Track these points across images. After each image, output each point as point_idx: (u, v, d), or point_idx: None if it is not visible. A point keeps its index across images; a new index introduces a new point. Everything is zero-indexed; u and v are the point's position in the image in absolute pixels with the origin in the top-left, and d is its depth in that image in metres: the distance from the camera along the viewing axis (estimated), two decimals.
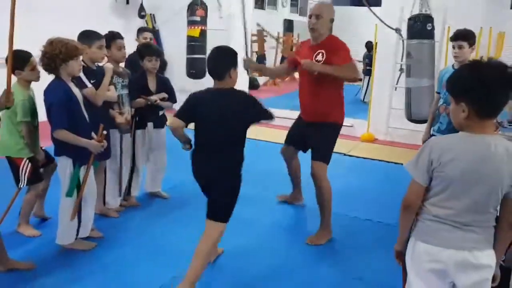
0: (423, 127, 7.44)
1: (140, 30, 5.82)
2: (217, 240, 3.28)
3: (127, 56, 4.55)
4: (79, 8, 8.12)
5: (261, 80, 14.24)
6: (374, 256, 3.90)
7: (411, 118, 6.57)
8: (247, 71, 4.26)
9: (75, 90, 3.52)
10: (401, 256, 2.34)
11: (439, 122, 4.21)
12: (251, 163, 6.11)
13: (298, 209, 4.83)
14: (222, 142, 3.14)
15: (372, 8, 7.04)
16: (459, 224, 2.07)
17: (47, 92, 3.40)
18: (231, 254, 3.76)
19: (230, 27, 9.02)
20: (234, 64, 3.17)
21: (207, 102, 3.17)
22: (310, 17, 4.02)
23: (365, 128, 8.05)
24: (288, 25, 17.14)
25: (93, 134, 3.61)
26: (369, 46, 11.24)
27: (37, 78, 3.69)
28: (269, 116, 3.21)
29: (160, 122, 4.70)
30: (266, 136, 7.43)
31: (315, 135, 4.12)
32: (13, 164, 3.75)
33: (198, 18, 8.15)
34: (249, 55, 7.25)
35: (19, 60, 3.53)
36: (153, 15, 9.96)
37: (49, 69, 3.39)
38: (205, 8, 8.20)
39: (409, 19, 6.26)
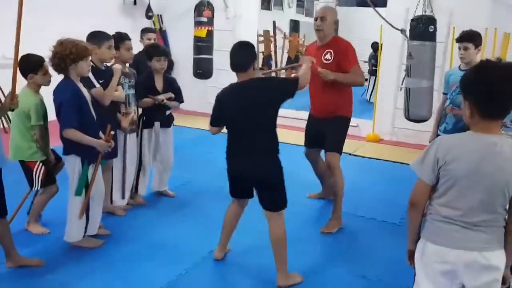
0: (428, 127, 7.49)
1: (144, 31, 5.85)
2: (284, 226, 3.40)
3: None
4: (87, 9, 8.18)
5: None
6: (378, 254, 3.94)
7: (409, 117, 6.62)
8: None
9: (84, 90, 3.57)
10: (413, 256, 2.32)
11: (445, 123, 4.23)
12: None
13: (302, 208, 4.86)
14: (255, 132, 3.23)
15: (377, 9, 7.06)
16: (468, 224, 2.07)
17: (57, 92, 3.46)
18: (237, 253, 3.80)
19: (236, 28, 9.06)
20: (256, 56, 3.33)
21: (231, 98, 3.31)
22: (316, 19, 4.30)
23: (371, 128, 8.06)
24: (294, 26, 17.14)
25: (100, 133, 3.67)
26: (375, 46, 11.24)
27: (48, 83, 3.74)
28: (296, 85, 3.33)
29: (167, 122, 4.75)
30: None
31: (327, 128, 4.35)
32: (27, 167, 3.80)
33: (205, 19, 8.18)
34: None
35: (32, 64, 3.58)
36: (160, 15, 10.01)
37: (58, 69, 3.44)
38: (212, 9, 8.24)
39: (412, 20, 6.27)
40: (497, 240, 2.09)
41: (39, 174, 3.78)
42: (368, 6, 6.95)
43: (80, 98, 3.47)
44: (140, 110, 4.62)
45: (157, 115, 4.63)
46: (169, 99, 4.59)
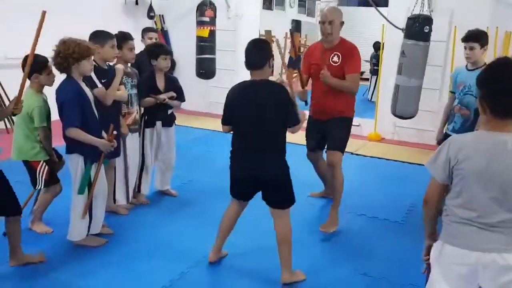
0: (429, 126, 7.52)
1: (145, 31, 5.85)
2: (290, 224, 3.43)
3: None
4: (89, 9, 8.20)
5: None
6: (380, 252, 3.95)
7: (395, 113, 6.66)
8: (305, 102, 4.42)
9: (86, 90, 3.59)
10: (429, 252, 2.32)
11: (453, 122, 4.26)
12: None
13: (301, 207, 4.87)
14: (265, 132, 3.22)
15: (379, 8, 7.07)
16: (486, 225, 2.04)
17: (59, 91, 3.48)
18: (235, 254, 3.81)
19: (238, 28, 9.08)
20: (272, 54, 3.29)
21: (242, 97, 3.29)
22: (323, 23, 4.24)
23: (372, 127, 8.07)
24: (296, 26, 17.14)
25: (103, 133, 3.69)
26: (377, 46, 11.26)
27: (52, 83, 3.75)
28: (297, 121, 3.28)
29: (169, 121, 4.77)
30: None
31: (330, 128, 4.35)
32: (30, 167, 3.82)
33: (207, 19, 8.20)
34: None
35: (37, 64, 3.59)
36: (162, 15, 10.03)
37: (61, 68, 3.46)
38: (214, 8, 8.26)
39: (409, 18, 6.29)
40: None
41: (43, 173, 3.80)
42: (370, 5, 6.96)
43: (82, 98, 3.49)
44: (142, 110, 4.64)
45: (159, 114, 4.65)
46: (171, 98, 4.61)
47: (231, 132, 3.40)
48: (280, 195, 3.36)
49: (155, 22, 9.85)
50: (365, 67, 13.14)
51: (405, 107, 6.49)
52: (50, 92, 3.51)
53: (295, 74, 14.11)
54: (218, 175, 4.88)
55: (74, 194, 3.63)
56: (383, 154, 7.12)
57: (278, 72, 14.89)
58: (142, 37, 5.72)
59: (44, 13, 3.04)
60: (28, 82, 3.63)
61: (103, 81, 3.92)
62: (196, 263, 3.63)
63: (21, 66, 3.56)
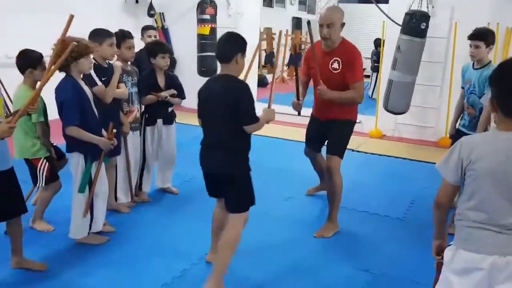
0: (430, 123, 7.52)
1: (145, 29, 5.85)
2: (241, 229, 3.23)
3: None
4: (89, 8, 8.18)
5: (270, 77, 14.26)
6: (381, 249, 3.96)
7: (386, 108, 6.67)
8: (298, 113, 4.34)
9: (86, 88, 3.59)
10: (438, 251, 2.28)
11: (464, 119, 4.29)
12: (259, 159, 6.17)
13: (305, 204, 4.89)
14: (218, 127, 3.12)
15: (379, 5, 7.07)
16: (499, 227, 1.99)
17: (58, 90, 3.47)
18: (238, 252, 3.82)
19: (238, 25, 9.07)
20: (243, 50, 3.14)
21: (203, 90, 3.22)
22: (321, 26, 3.98)
23: (373, 124, 8.06)
24: (297, 23, 17.14)
25: (103, 131, 3.69)
26: (377, 43, 11.25)
27: None
28: (248, 122, 3.06)
29: (169, 119, 4.78)
30: (275, 133, 7.51)
31: (331, 131, 4.23)
32: (31, 164, 3.83)
33: (208, 16, 8.21)
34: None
35: (32, 59, 3.60)
36: (162, 13, 10.02)
37: (60, 67, 3.46)
38: (214, 6, 8.26)
39: (406, 13, 6.29)
40: None
41: (43, 170, 3.81)
42: (370, 2, 6.95)
43: (81, 96, 3.50)
44: (143, 108, 4.65)
45: (160, 112, 4.66)
46: (172, 95, 4.61)
47: None
48: (229, 196, 3.21)
49: (155, 20, 9.85)
50: (366, 64, 13.18)
51: (396, 102, 6.51)
52: (49, 92, 3.51)
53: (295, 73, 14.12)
54: None
55: (75, 192, 3.64)
56: (384, 151, 7.11)
57: (279, 69, 14.94)
58: (142, 35, 5.72)
59: (71, 17, 3.12)
60: (39, 81, 3.65)
61: (103, 79, 3.93)
62: (198, 261, 3.63)
63: (16, 63, 3.57)
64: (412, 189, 5.31)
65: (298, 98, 4.21)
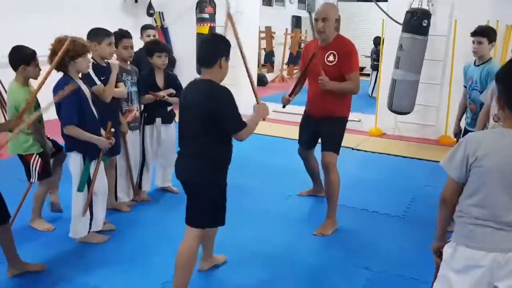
0: (431, 121, 7.51)
1: (143, 28, 5.85)
2: (195, 247, 3.00)
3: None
4: (88, 7, 8.20)
5: (270, 76, 14.27)
6: (381, 247, 3.96)
7: (391, 109, 6.64)
8: (283, 106, 4.42)
9: (83, 87, 3.59)
10: (439, 252, 2.27)
11: (467, 116, 4.35)
12: (259, 158, 6.17)
13: (305, 202, 4.89)
14: (192, 135, 2.88)
15: (379, 3, 7.06)
16: (502, 224, 1.99)
17: (56, 89, 3.46)
18: (239, 247, 3.83)
19: (238, 24, 9.05)
20: (227, 53, 2.89)
21: (183, 94, 3.00)
22: (316, 20, 4.12)
23: (373, 122, 8.06)
24: (296, 22, 17.13)
25: (102, 130, 3.69)
26: (377, 41, 11.24)
27: (37, 76, 3.71)
28: (235, 129, 2.84)
29: (168, 118, 4.77)
30: (275, 132, 7.50)
31: (325, 128, 4.25)
32: (24, 160, 3.83)
33: (207, 16, 8.22)
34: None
35: (25, 56, 3.60)
36: (162, 13, 10.03)
37: (57, 66, 3.45)
38: (214, 5, 8.25)
39: (407, 12, 6.28)
40: None
41: (36, 166, 3.80)
42: (370, 0, 6.95)
43: (79, 95, 3.49)
44: (142, 107, 4.65)
45: (158, 111, 4.65)
46: (170, 95, 4.61)
47: None
48: (190, 206, 2.98)
49: (154, 19, 9.85)
50: (366, 62, 13.18)
51: (401, 102, 6.48)
52: (49, 92, 3.50)
53: (295, 71, 14.13)
54: None
55: (74, 191, 3.64)
56: (384, 149, 7.11)
57: (279, 68, 14.94)
58: (141, 34, 5.72)
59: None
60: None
61: (102, 78, 3.93)
62: (198, 259, 3.63)
63: (8, 59, 3.59)
64: (412, 187, 5.31)
65: (290, 94, 4.35)
